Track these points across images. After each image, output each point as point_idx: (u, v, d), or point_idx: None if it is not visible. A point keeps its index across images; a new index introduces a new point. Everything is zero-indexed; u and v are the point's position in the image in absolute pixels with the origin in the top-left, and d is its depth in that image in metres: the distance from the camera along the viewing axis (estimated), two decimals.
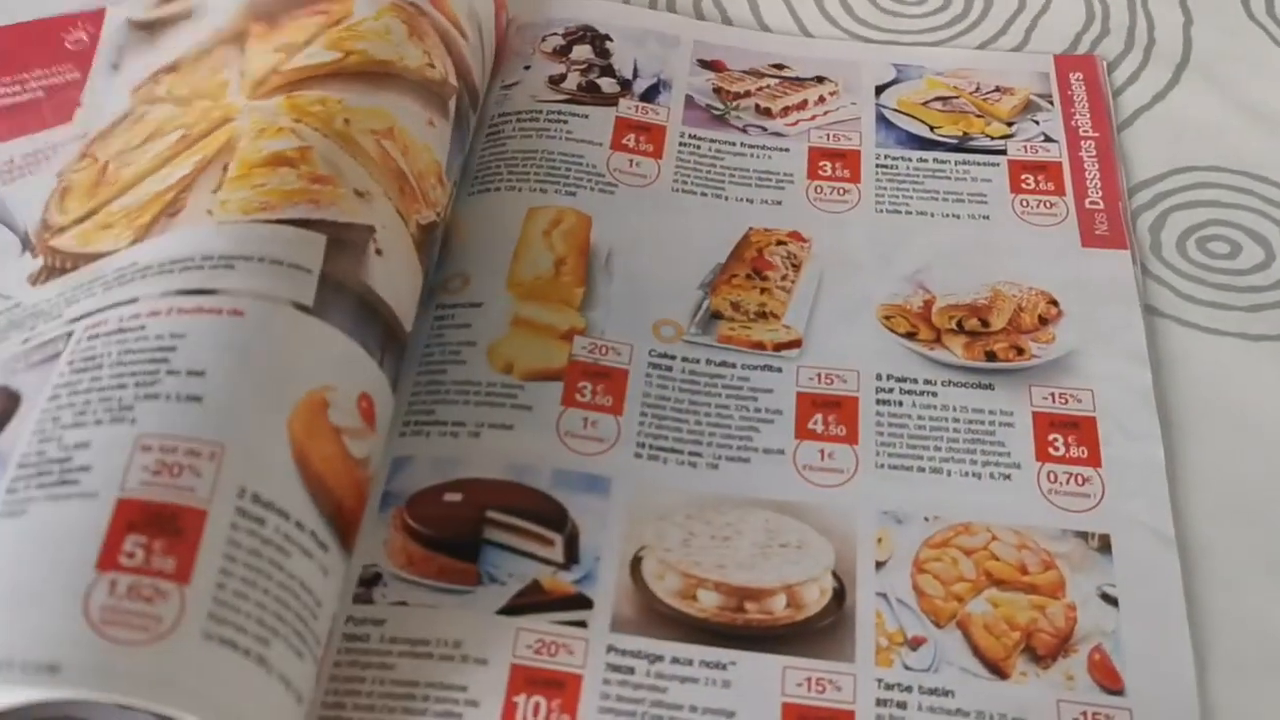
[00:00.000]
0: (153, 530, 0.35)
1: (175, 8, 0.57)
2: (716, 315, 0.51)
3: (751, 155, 0.57)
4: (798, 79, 0.61)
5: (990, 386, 0.49)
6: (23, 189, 0.52)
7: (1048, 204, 0.55)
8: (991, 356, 0.50)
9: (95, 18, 0.59)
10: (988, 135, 0.58)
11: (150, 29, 0.56)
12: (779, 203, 0.56)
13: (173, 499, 0.36)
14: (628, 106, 0.59)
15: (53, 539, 0.35)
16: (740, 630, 0.43)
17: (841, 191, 0.56)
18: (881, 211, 0.55)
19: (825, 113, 0.59)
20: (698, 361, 0.50)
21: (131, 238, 0.44)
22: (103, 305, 0.41)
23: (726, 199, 0.56)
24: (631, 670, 0.42)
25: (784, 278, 0.53)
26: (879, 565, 0.45)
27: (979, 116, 0.59)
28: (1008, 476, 0.47)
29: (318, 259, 0.43)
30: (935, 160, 0.57)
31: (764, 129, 0.59)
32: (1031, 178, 0.56)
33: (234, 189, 0.44)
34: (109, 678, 0.33)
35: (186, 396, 0.38)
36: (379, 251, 0.45)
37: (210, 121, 0.48)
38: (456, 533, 0.45)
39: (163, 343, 0.39)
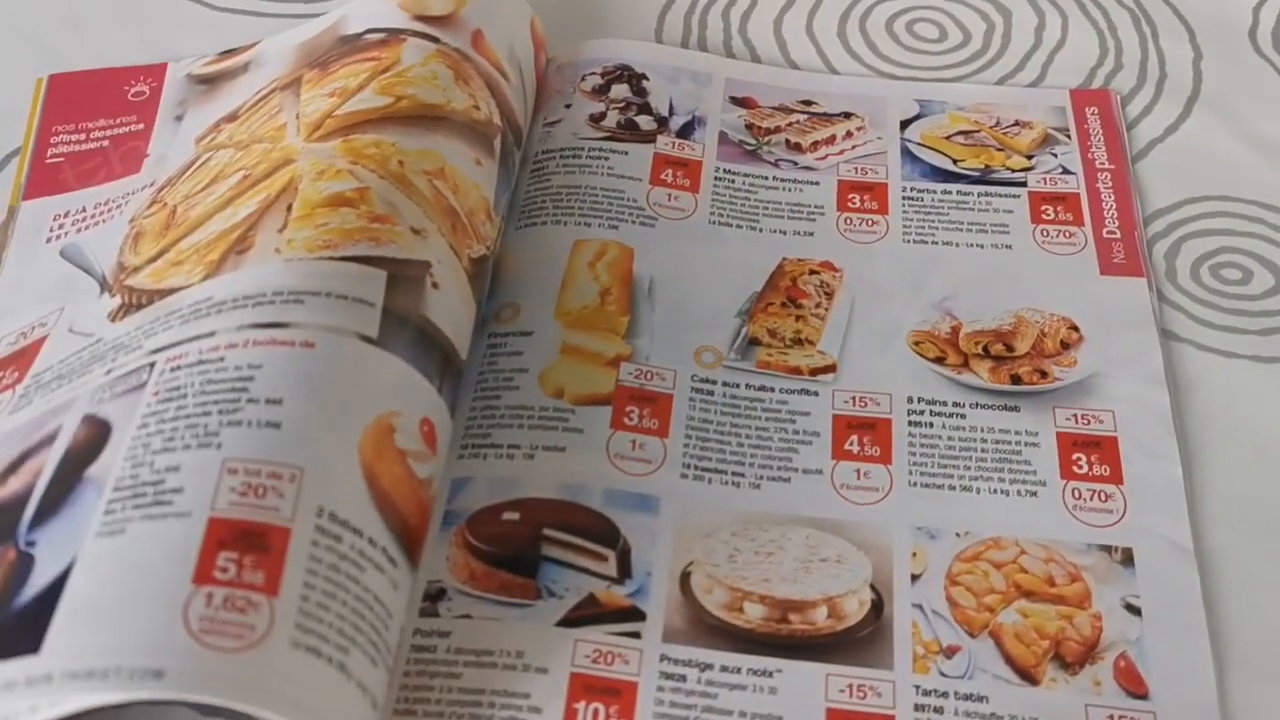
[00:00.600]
0: (242, 547, 0.37)
1: (232, 62, 0.59)
2: (754, 342, 0.54)
3: (783, 188, 0.60)
4: (826, 114, 0.63)
5: (1016, 408, 0.51)
6: (98, 235, 0.54)
7: (1067, 233, 0.58)
8: (1017, 380, 0.52)
9: (156, 71, 0.62)
10: (1008, 168, 0.60)
11: (210, 82, 0.59)
12: (811, 234, 0.58)
13: (259, 518, 0.38)
14: (665, 143, 0.61)
15: (151, 556, 0.37)
16: (785, 640, 0.45)
17: (870, 223, 0.59)
18: (909, 242, 0.58)
19: (853, 147, 0.61)
20: (738, 386, 0.52)
21: (203, 273, 0.47)
22: (181, 339, 0.44)
23: (761, 230, 0.58)
24: (683, 678, 0.44)
25: (818, 305, 0.55)
26: (914, 578, 0.47)
27: (999, 150, 0.61)
28: (1034, 493, 0.49)
29: (379, 293, 0.45)
30: (959, 192, 0.60)
31: (795, 163, 0.61)
32: (1051, 208, 0.59)
33: (298, 228, 0.47)
34: (209, 682, 0.35)
35: (266, 423, 0.40)
36: (435, 285, 0.47)
37: (271, 162, 0.51)
38: (515, 550, 0.46)
39: (241, 373, 0.41)
